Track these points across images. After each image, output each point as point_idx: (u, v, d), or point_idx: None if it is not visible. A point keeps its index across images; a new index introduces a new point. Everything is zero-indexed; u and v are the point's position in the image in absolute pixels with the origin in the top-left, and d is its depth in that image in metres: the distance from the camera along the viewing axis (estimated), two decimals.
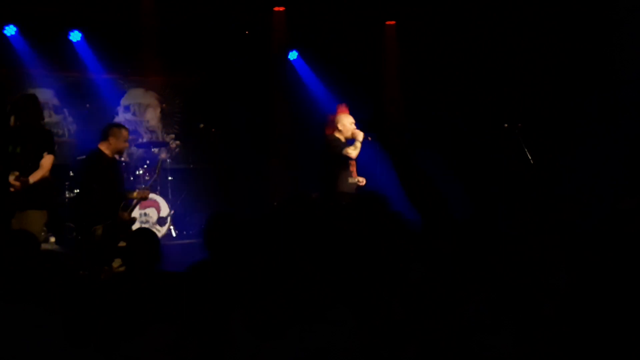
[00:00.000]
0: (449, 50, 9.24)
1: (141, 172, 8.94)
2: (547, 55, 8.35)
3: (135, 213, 8.41)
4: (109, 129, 7.25)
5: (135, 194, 7.68)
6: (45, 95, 9.53)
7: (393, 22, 10.20)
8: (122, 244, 7.66)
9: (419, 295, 2.84)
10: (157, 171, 8.52)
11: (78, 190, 7.43)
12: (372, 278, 2.96)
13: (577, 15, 8.02)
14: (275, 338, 2.76)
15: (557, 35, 8.17)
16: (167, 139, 10.14)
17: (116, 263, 7.62)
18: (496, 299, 2.82)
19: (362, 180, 7.26)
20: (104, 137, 7.15)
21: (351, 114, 7.27)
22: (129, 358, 2.81)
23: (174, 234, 9.01)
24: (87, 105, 9.60)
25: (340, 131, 7.24)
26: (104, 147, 7.12)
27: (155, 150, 9.83)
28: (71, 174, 8.26)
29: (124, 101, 10.22)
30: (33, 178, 6.12)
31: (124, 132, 7.28)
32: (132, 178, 8.80)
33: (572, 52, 8.17)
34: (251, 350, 2.76)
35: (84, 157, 7.47)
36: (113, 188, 7.22)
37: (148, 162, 9.14)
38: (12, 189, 6.12)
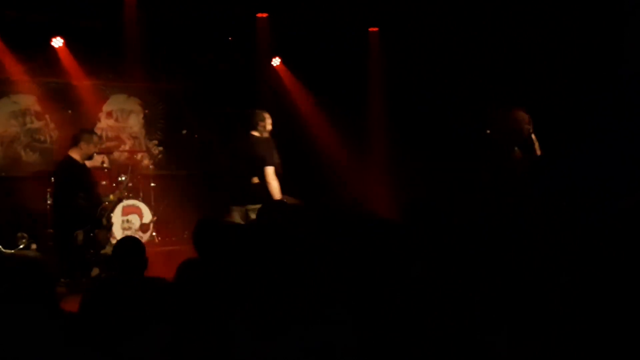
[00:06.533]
0: (444, 50, 9.18)
1: (124, 178, 8.88)
2: (550, 54, 8.31)
3: (118, 220, 8.38)
4: (81, 134, 7.50)
5: (111, 197, 8.04)
6: (27, 101, 9.46)
7: (376, 29, 10.22)
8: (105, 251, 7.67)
9: (419, 295, 2.83)
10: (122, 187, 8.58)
11: (55, 198, 7.64)
12: (372, 278, 2.95)
13: (582, 11, 7.96)
14: (274, 338, 2.74)
15: (560, 34, 8.12)
16: (150, 145, 10.09)
17: (94, 272, 7.59)
18: (496, 299, 2.82)
19: None
20: (75, 143, 7.42)
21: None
22: (127, 358, 2.78)
23: (156, 241, 8.95)
24: (69, 111, 9.52)
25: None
26: (74, 153, 7.38)
27: (138, 156, 9.77)
28: (52, 180, 8.18)
29: (106, 107, 10.13)
30: None
31: (95, 138, 7.60)
32: (114, 184, 8.75)
33: (577, 49, 8.11)
34: (250, 351, 2.74)
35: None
36: (89, 193, 7.53)
37: (131, 168, 9.08)
38: None
